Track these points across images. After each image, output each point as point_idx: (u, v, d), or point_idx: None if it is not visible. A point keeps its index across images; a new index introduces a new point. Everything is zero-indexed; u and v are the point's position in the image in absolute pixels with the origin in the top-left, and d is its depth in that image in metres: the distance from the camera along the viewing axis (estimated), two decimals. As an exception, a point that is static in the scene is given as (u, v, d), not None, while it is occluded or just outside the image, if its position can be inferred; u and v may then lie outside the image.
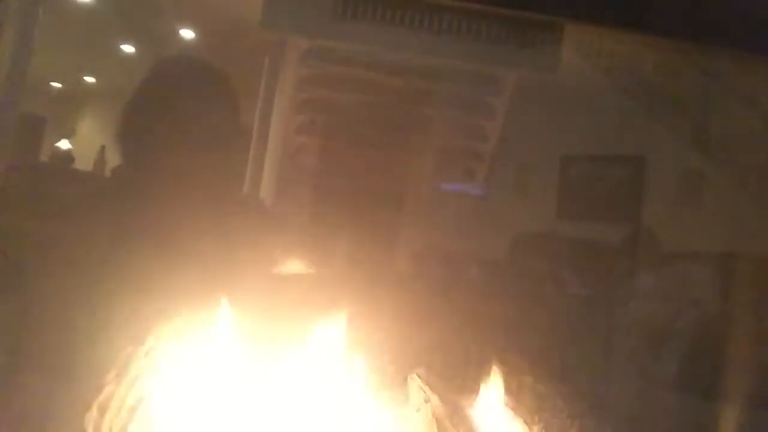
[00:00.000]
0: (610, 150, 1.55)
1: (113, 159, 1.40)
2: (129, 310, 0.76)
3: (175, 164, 1.14)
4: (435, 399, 0.83)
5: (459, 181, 1.41)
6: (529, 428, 0.85)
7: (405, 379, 0.90)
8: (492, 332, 1.03)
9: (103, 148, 1.53)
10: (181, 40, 1.42)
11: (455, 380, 0.90)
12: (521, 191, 1.53)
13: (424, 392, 0.85)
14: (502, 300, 1.14)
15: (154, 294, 0.78)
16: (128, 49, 1.53)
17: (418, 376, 0.89)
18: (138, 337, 0.73)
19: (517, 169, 1.51)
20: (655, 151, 1.53)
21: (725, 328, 1.24)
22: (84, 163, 1.57)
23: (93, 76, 1.65)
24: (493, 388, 0.86)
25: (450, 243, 1.31)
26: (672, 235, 1.49)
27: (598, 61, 1.04)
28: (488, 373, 0.87)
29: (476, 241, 1.34)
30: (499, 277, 1.29)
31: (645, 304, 1.38)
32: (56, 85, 1.64)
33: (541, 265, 1.38)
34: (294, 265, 1.27)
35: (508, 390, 0.85)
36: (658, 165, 1.56)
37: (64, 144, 1.60)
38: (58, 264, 0.89)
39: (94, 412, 0.69)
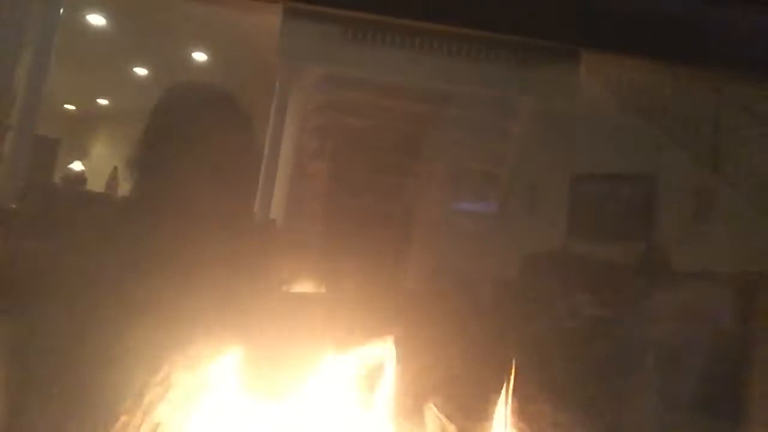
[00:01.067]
0: (621, 169, 1.54)
1: (125, 180, 1.41)
2: (143, 337, 0.76)
3: (187, 187, 1.15)
4: (452, 429, 0.82)
5: (472, 202, 1.41)
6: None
7: (421, 409, 0.89)
8: (507, 356, 1.02)
9: (115, 169, 1.54)
10: (194, 63, 1.44)
11: (472, 409, 0.89)
12: (532, 211, 1.53)
13: (441, 421, 0.84)
14: (515, 322, 1.13)
15: (167, 320, 0.78)
16: (142, 72, 1.55)
17: (435, 406, 0.88)
18: (153, 366, 0.72)
19: (528, 188, 1.50)
20: (666, 170, 1.53)
21: (742, 348, 1.22)
22: (96, 185, 1.58)
23: (106, 99, 1.67)
24: (510, 416, 0.85)
25: (462, 264, 1.31)
26: (685, 253, 1.48)
27: (610, 82, 1.04)
28: (505, 402, 0.86)
29: (488, 262, 1.34)
30: (512, 298, 1.28)
31: (659, 324, 1.37)
32: (70, 107, 1.67)
33: (554, 285, 1.37)
34: (306, 287, 1.27)
35: (526, 419, 0.84)
36: (670, 183, 1.55)
37: (77, 166, 1.62)
38: (72, 288, 0.89)
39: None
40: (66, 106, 1.69)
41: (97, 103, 1.68)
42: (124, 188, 1.38)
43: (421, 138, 1.22)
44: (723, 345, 1.34)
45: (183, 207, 1.10)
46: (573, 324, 1.32)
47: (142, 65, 1.56)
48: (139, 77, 1.59)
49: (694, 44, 0.65)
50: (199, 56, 1.45)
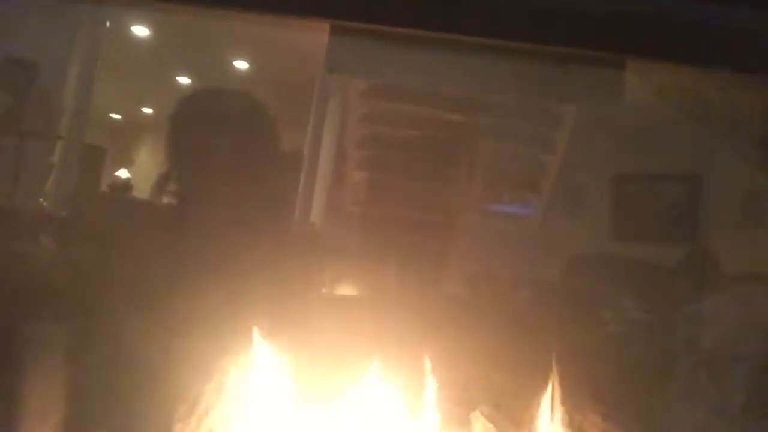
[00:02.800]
0: (665, 170, 1.51)
1: (170, 188, 1.44)
2: (196, 344, 0.78)
3: (230, 193, 1.17)
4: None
5: (513, 207, 1.40)
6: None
7: (469, 417, 0.88)
8: (552, 363, 1.02)
9: (160, 176, 1.58)
10: (236, 73, 1.46)
11: (519, 418, 0.88)
12: (575, 212, 1.51)
13: (489, 430, 0.83)
14: (559, 328, 1.12)
15: (218, 327, 0.80)
16: (185, 81, 1.58)
17: (482, 414, 0.87)
18: (206, 373, 0.74)
19: (570, 190, 1.49)
20: (713, 171, 1.49)
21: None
22: (142, 192, 1.62)
23: (151, 107, 1.71)
24: (558, 425, 0.84)
25: (504, 268, 1.30)
26: (733, 256, 1.44)
27: (654, 86, 1.02)
28: (552, 411, 0.85)
29: (530, 266, 1.33)
30: (555, 302, 1.27)
31: (706, 329, 1.34)
32: (116, 116, 1.71)
33: (597, 289, 1.36)
34: (349, 291, 1.28)
35: (574, 427, 0.83)
36: (716, 184, 1.51)
37: (123, 173, 1.66)
38: (123, 296, 0.91)
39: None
40: (112, 115, 1.74)
41: (141, 111, 1.72)
42: (168, 196, 1.42)
43: (461, 145, 1.22)
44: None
45: (226, 214, 1.12)
46: (618, 329, 1.30)
47: (185, 74, 1.59)
48: (183, 86, 1.62)
49: (743, 53, 0.64)
50: (241, 65, 1.47)
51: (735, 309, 1.37)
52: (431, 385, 0.87)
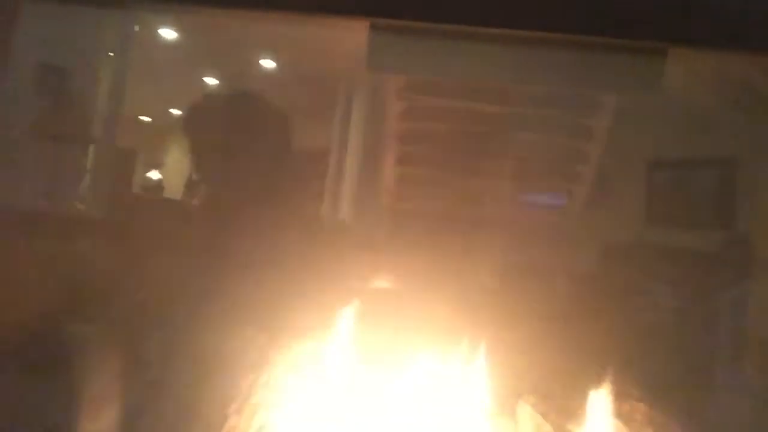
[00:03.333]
0: (702, 153, 1.48)
1: (202, 188, 1.46)
2: (246, 340, 0.79)
3: (261, 189, 1.18)
4: (548, 428, 0.81)
5: (548, 197, 1.39)
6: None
7: (514, 407, 0.88)
8: (596, 353, 1.01)
9: (191, 177, 1.59)
10: (264, 70, 1.47)
11: (566, 408, 0.88)
12: (610, 199, 1.49)
13: (536, 420, 0.83)
14: (599, 317, 1.11)
15: (266, 323, 0.80)
16: (213, 82, 1.60)
17: (529, 404, 0.87)
18: (257, 367, 0.75)
19: (603, 177, 1.47)
20: (749, 155, 1.46)
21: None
22: (174, 193, 1.64)
23: (179, 109, 1.72)
24: (605, 415, 0.84)
25: (539, 258, 1.29)
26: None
27: (693, 73, 1.00)
28: (601, 400, 0.84)
29: (565, 255, 1.32)
30: (592, 292, 1.26)
31: (749, 317, 1.31)
32: (146, 118, 1.73)
33: (633, 276, 1.34)
34: (389, 284, 1.28)
35: (622, 417, 0.83)
36: (753, 169, 1.48)
37: (154, 174, 1.68)
38: (168, 295, 0.93)
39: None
40: (141, 117, 1.76)
41: (170, 113, 1.74)
42: (201, 195, 1.43)
43: (500, 138, 1.21)
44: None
45: (258, 210, 1.13)
46: (659, 317, 1.29)
47: (212, 75, 1.60)
48: (211, 87, 1.64)
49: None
50: (268, 64, 1.47)
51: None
52: (478, 374, 0.87)
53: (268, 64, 1.45)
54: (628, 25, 0.64)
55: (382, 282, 1.20)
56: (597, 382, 0.88)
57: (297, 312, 0.85)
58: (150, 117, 1.75)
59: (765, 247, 1.40)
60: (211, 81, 1.60)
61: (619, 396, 0.86)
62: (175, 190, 1.61)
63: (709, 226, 1.49)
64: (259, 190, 1.13)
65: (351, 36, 0.83)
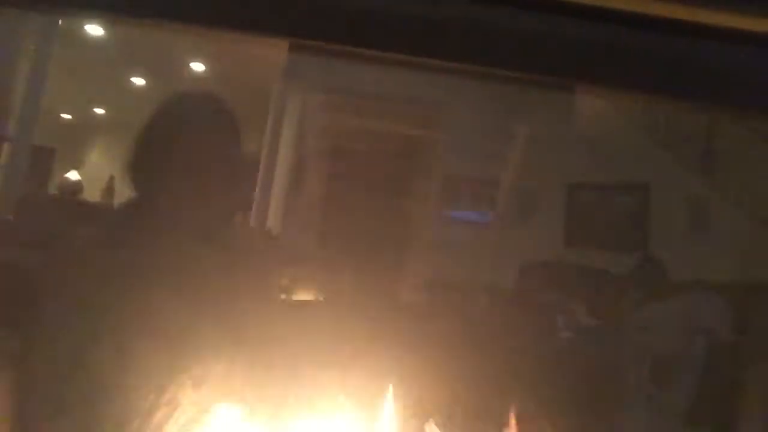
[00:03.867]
0: (615, 179, 1.55)
1: (120, 190, 1.41)
2: (148, 356, 0.76)
3: (185, 196, 1.15)
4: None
5: (467, 213, 1.42)
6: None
7: (422, 428, 0.88)
8: (505, 371, 1.03)
9: (111, 178, 1.54)
10: (190, 73, 1.44)
11: (471, 427, 0.89)
12: (527, 219, 1.54)
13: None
14: (512, 334, 1.13)
15: (171, 338, 0.78)
16: (138, 81, 1.56)
17: (436, 425, 0.87)
18: (159, 386, 0.72)
19: (523, 197, 1.51)
20: (660, 180, 1.54)
21: (737, 359, 1.23)
22: (92, 194, 1.58)
23: (103, 108, 1.67)
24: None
25: (458, 274, 1.31)
26: (680, 263, 1.48)
27: (604, 105, 1.05)
28: (507, 422, 0.86)
29: (485, 272, 1.34)
30: (508, 308, 1.28)
31: (654, 334, 1.37)
32: (67, 116, 1.67)
33: (550, 295, 1.38)
34: (304, 296, 1.28)
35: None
36: (663, 193, 1.56)
37: (73, 175, 1.62)
38: (70, 303, 0.88)
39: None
40: (62, 115, 1.69)
41: (93, 112, 1.68)
42: (119, 197, 1.39)
43: (418, 157, 1.23)
44: (718, 356, 1.34)
45: (180, 216, 1.10)
46: (569, 335, 1.33)
47: (138, 75, 1.56)
48: (136, 87, 1.59)
49: (686, 80, 0.67)
50: (198, 67, 1.45)
51: (681, 315, 1.41)
52: (386, 395, 0.87)
53: (196, 66, 1.43)
54: (537, 61, 0.67)
55: (297, 294, 1.19)
56: (510, 399, 0.90)
57: (206, 326, 0.83)
58: (71, 115, 1.69)
59: (671, 268, 1.47)
60: (136, 81, 1.56)
61: (525, 416, 0.88)
62: (93, 191, 1.56)
63: (623, 248, 1.56)
64: (185, 195, 1.09)
65: (274, 51, 0.83)
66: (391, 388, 0.94)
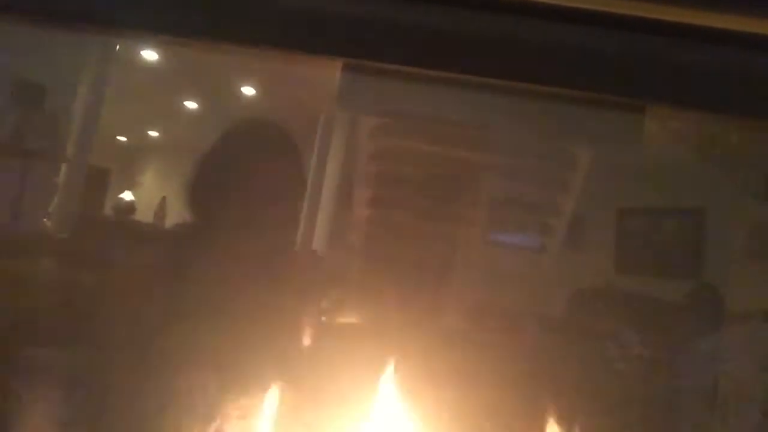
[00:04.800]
0: (670, 203, 1.51)
1: (173, 211, 1.44)
2: (195, 385, 0.76)
3: (235, 219, 1.16)
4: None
5: (517, 238, 1.39)
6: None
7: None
8: (551, 397, 1.00)
9: (163, 199, 1.58)
10: (244, 98, 1.47)
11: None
12: (577, 245, 1.50)
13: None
14: (562, 363, 1.10)
15: (218, 365, 0.78)
16: (191, 105, 1.59)
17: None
18: (207, 414, 0.73)
19: (574, 222, 1.48)
20: (718, 205, 1.48)
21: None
22: (145, 214, 1.62)
23: (156, 130, 1.72)
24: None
25: (508, 302, 1.29)
26: (738, 291, 1.42)
27: (666, 126, 1.02)
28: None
29: (533, 298, 1.32)
30: (558, 337, 1.25)
31: (713, 368, 1.31)
32: (122, 138, 1.72)
33: (601, 324, 1.34)
34: (348, 319, 1.27)
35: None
36: (721, 219, 1.50)
37: (127, 195, 1.66)
38: (121, 326, 0.90)
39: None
40: (118, 137, 1.74)
41: (147, 134, 1.73)
42: (171, 220, 1.41)
43: (472, 184, 1.22)
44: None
45: (230, 239, 1.11)
46: (622, 366, 1.29)
47: (191, 99, 1.60)
48: (188, 110, 1.63)
49: (752, 98, 0.64)
50: (249, 91, 1.48)
51: (742, 348, 1.35)
52: (433, 419, 0.86)
53: (247, 90, 1.45)
54: (607, 81, 0.65)
55: (341, 317, 1.19)
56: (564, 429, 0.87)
57: (256, 353, 0.83)
58: (126, 137, 1.74)
59: (732, 299, 1.41)
60: (189, 104, 1.60)
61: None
62: (146, 212, 1.59)
63: (677, 275, 1.50)
64: (241, 219, 1.11)
65: (327, 72, 0.83)
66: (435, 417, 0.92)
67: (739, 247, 1.48)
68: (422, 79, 0.71)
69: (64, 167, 1.58)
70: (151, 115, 1.66)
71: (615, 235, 1.51)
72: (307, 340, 1.02)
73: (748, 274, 1.46)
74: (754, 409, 1.25)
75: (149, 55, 1.51)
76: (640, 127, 0.76)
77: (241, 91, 1.47)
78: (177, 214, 1.32)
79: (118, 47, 1.54)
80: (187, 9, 0.75)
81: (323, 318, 1.24)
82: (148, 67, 1.53)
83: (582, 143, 1.18)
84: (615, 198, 1.49)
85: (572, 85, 0.64)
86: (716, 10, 0.58)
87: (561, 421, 1.01)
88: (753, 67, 0.63)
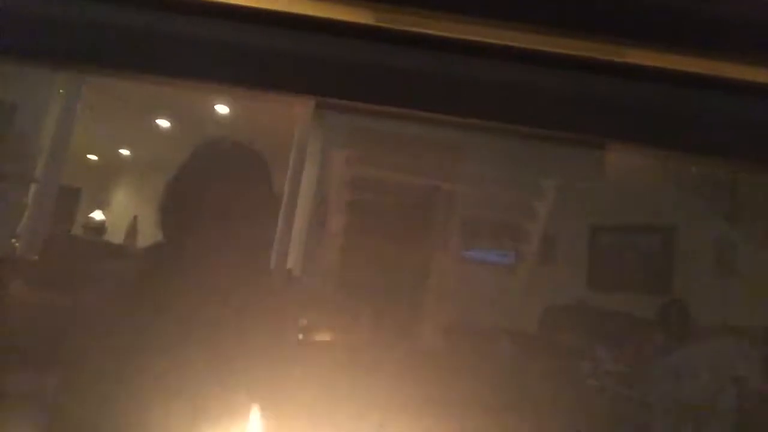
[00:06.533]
0: (639, 221, 1.54)
1: (144, 229, 1.43)
2: (165, 404, 0.75)
3: (210, 239, 1.15)
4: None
5: (490, 256, 1.41)
6: None
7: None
8: (525, 413, 1.01)
9: (135, 218, 1.56)
10: (217, 116, 1.47)
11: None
12: (550, 262, 1.52)
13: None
14: (533, 378, 1.11)
15: (190, 383, 0.77)
16: (163, 124, 1.59)
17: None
18: (178, 426, 0.72)
19: (546, 239, 1.50)
20: (685, 223, 1.52)
21: (765, 404, 1.19)
22: (116, 234, 1.60)
23: (128, 149, 1.71)
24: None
25: (479, 318, 1.30)
26: (707, 307, 1.46)
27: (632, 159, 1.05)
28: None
29: (506, 315, 1.33)
30: (530, 352, 1.26)
31: (682, 381, 1.34)
32: (93, 157, 1.70)
33: (573, 339, 1.36)
34: (323, 337, 1.27)
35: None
36: (688, 236, 1.54)
37: (97, 215, 1.64)
38: (89, 346, 0.89)
39: None
40: (89, 155, 1.73)
41: (118, 153, 1.72)
42: (143, 239, 1.40)
43: (443, 211, 1.23)
44: (746, 401, 1.31)
45: (200, 257, 1.10)
46: (594, 381, 1.30)
47: (163, 117, 1.59)
48: (160, 129, 1.62)
49: (707, 135, 0.67)
50: (222, 110, 1.48)
51: (709, 362, 1.38)
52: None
53: (220, 108, 1.45)
54: (569, 120, 0.67)
55: (322, 335, 1.19)
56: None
57: (228, 369, 0.82)
58: (97, 156, 1.72)
59: (701, 312, 1.44)
60: (162, 123, 1.59)
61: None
62: (118, 231, 1.57)
63: (649, 291, 1.53)
64: (211, 238, 1.10)
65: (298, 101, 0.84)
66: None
67: (707, 264, 1.52)
68: (390, 115, 0.72)
69: (33, 187, 1.55)
70: (123, 134, 1.65)
71: (587, 252, 1.54)
72: (282, 359, 1.02)
73: (715, 289, 1.49)
74: (723, 421, 1.28)
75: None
76: (601, 161, 0.78)
77: (214, 109, 1.47)
78: (149, 233, 1.30)
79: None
80: (158, 46, 0.75)
81: (300, 336, 1.23)
82: (119, 86, 1.52)
83: (547, 175, 1.21)
84: (587, 216, 1.51)
85: (536, 123, 0.66)
86: (671, 52, 0.61)
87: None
88: (708, 106, 0.66)
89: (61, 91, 1.55)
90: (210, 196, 1.11)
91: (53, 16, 0.74)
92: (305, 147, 1.35)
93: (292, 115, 1.16)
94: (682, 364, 1.38)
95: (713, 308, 1.44)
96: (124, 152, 1.72)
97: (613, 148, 0.71)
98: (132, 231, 1.56)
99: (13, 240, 1.54)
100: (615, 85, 0.67)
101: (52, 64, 0.84)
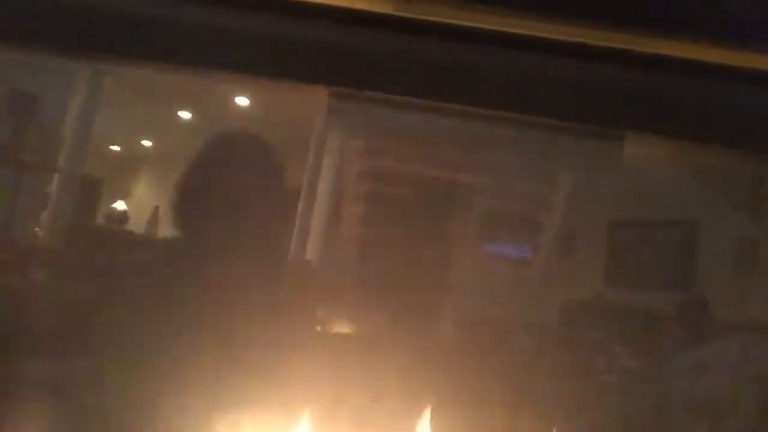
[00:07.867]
0: (659, 216, 1.52)
1: (166, 220, 1.44)
2: (187, 394, 0.76)
3: (225, 228, 1.17)
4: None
5: (508, 251, 1.40)
6: None
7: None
8: (542, 409, 1.00)
9: (156, 208, 1.58)
10: (237, 108, 1.47)
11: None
12: (568, 258, 1.51)
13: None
14: (551, 373, 1.11)
15: (210, 375, 0.78)
16: (185, 115, 1.60)
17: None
18: (199, 425, 0.73)
19: (565, 234, 1.49)
20: (707, 218, 1.50)
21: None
22: (137, 224, 1.62)
23: (149, 140, 1.72)
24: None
25: (498, 312, 1.29)
26: (727, 303, 1.44)
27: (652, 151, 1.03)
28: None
29: (523, 309, 1.32)
30: (549, 349, 1.26)
31: (702, 379, 1.32)
32: (115, 148, 1.72)
33: (590, 335, 1.35)
34: (342, 329, 1.28)
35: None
36: (710, 231, 1.52)
37: (120, 205, 1.66)
38: (114, 335, 0.90)
39: None
40: (111, 147, 1.75)
41: (140, 144, 1.73)
42: (164, 229, 1.42)
43: (459, 203, 1.23)
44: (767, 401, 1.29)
45: (222, 249, 1.12)
46: (612, 377, 1.29)
47: (184, 109, 1.60)
48: (181, 120, 1.64)
49: (735, 128, 0.65)
50: (242, 102, 1.48)
51: (731, 359, 1.36)
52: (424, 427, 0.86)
53: (240, 100, 1.46)
54: (588, 111, 0.66)
55: (341, 328, 1.19)
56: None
57: (247, 364, 0.83)
58: (119, 146, 1.74)
59: (719, 308, 1.42)
60: (183, 115, 1.60)
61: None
62: (139, 222, 1.59)
63: (668, 288, 1.51)
64: (223, 229, 1.11)
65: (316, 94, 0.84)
66: (427, 428, 0.93)
67: (727, 260, 1.50)
68: (407, 105, 0.72)
69: (56, 177, 1.58)
70: (144, 125, 1.66)
71: (606, 247, 1.52)
72: (301, 351, 1.03)
73: (736, 286, 1.47)
74: (742, 420, 1.26)
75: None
76: (620, 154, 0.77)
77: (234, 102, 1.48)
78: (170, 223, 1.32)
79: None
80: (177, 36, 0.75)
81: (318, 328, 1.24)
82: (141, 78, 1.53)
83: (564, 167, 1.20)
84: (606, 211, 1.50)
85: (554, 114, 0.65)
86: (691, 42, 0.60)
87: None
88: (730, 97, 0.65)
89: (82, 82, 1.57)
90: (229, 186, 1.12)
91: (74, 6, 0.75)
92: (324, 139, 1.35)
93: (311, 106, 1.16)
94: (701, 362, 1.37)
95: (734, 305, 1.42)
96: (146, 143, 1.74)
97: (633, 140, 0.70)
98: (153, 221, 1.58)
99: (37, 229, 1.56)
100: (635, 75, 0.66)
101: (73, 55, 0.85)
